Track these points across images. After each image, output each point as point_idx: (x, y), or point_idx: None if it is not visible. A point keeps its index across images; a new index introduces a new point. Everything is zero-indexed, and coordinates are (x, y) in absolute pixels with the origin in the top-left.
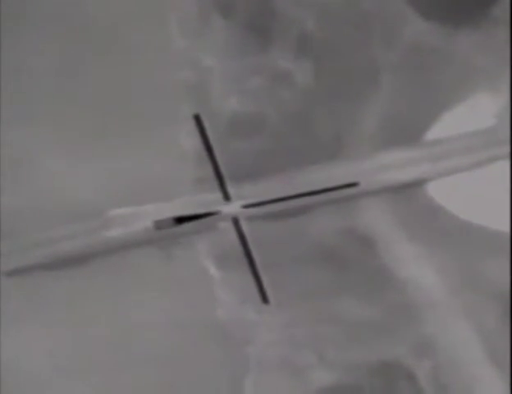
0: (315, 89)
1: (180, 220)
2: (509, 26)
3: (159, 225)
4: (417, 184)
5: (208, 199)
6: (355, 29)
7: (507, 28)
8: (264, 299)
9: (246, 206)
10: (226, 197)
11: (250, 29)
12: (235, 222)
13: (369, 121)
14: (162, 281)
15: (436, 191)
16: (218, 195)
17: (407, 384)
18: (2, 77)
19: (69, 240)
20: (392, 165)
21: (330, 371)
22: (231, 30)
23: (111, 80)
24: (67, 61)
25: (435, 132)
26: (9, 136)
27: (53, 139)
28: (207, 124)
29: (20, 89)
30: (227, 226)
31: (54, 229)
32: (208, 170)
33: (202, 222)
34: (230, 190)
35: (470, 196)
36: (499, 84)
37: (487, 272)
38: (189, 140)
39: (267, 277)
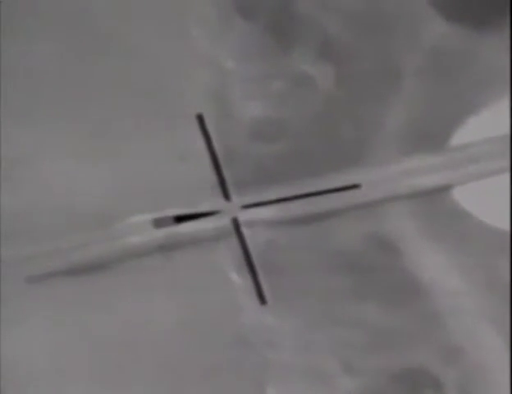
0: (337, 93)
1: (180, 219)
2: (509, 27)
3: (158, 223)
4: (441, 189)
5: (210, 199)
6: (377, 33)
7: None
8: (262, 300)
9: (246, 206)
10: (227, 197)
11: (271, 32)
12: (235, 222)
13: (392, 125)
14: (175, 287)
15: (462, 197)
16: (220, 196)
17: (433, 392)
18: (2, 77)
19: (74, 247)
20: (416, 170)
21: (354, 378)
22: (252, 33)
23: (124, 83)
24: (70, 61)
25: (459, 137)
26: (11, 136)
27: (55, 140)
28: (227, 128)
29: (20, 89)
30: (246, 231)
31: (60, 237)
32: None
33: (201, 221)
34: (233, 191)
35: (496, 201)
36: None
37: None
38: (197, 141)
39: (287, 282)
